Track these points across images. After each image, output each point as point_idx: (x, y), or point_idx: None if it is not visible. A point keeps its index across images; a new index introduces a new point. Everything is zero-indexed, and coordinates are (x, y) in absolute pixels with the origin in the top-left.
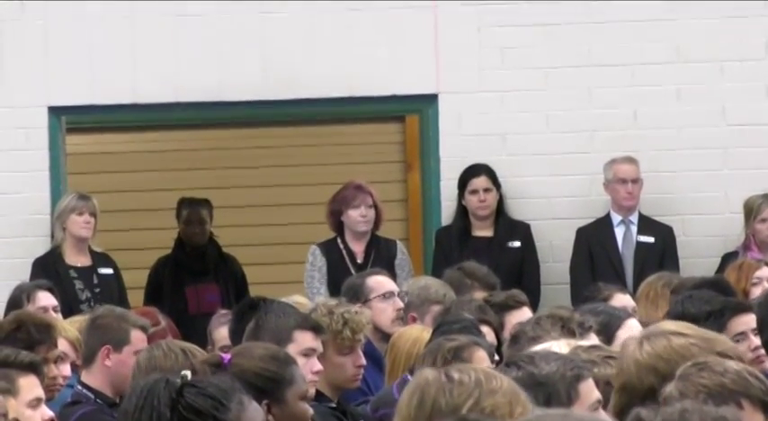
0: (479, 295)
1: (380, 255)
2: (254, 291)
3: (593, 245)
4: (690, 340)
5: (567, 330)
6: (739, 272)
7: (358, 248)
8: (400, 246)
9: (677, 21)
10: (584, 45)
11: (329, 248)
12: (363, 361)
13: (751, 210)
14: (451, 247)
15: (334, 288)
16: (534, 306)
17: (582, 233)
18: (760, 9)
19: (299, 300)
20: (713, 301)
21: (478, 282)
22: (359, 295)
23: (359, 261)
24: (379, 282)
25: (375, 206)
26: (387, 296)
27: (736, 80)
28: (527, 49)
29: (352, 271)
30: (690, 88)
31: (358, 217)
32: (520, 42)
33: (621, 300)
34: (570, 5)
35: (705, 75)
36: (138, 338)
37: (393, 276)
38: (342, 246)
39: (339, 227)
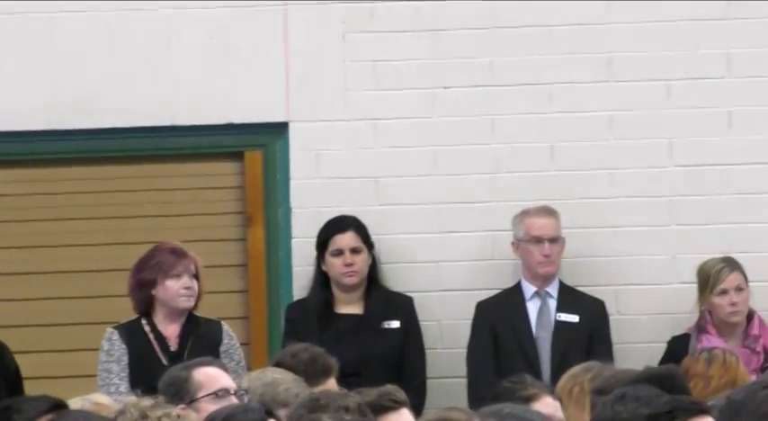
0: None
1: (201, 341)
2: (29, 389)
3: (499, 323)
4: None
5: None
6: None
7: (171, 332)
8: (226, 328)
9: None
10: (486, 55)
11: (131, 332)
12: None
13: (708, 280)
14: (308, 330)
15: (142, 385)
16: (418, 407)
17: (484, 308)
18: None
19: (99, 401)
20: (655, 402)
21: (305, 374)
22: (182, 393)
23: (172, 348)
24: (209, 375)
25: (197, 276)
26: (220, 394)
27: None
28: (407, 62)
29: (164, 361)
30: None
31: (180, 289)
32: (396, 53)
33: (549, 405)
34: (463, 5)
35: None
36: None
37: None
38: (149, 328)
39: (147, 304)
